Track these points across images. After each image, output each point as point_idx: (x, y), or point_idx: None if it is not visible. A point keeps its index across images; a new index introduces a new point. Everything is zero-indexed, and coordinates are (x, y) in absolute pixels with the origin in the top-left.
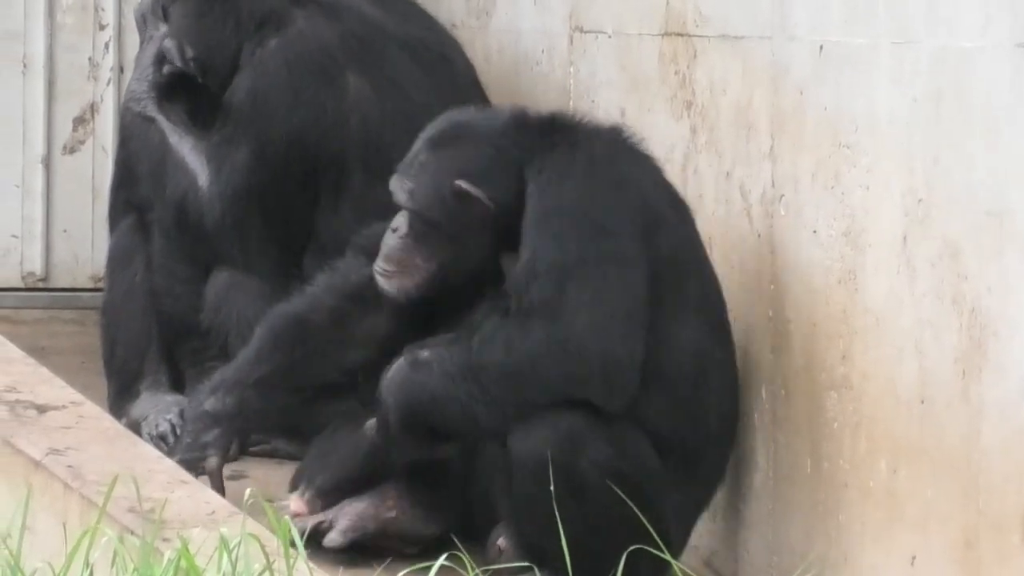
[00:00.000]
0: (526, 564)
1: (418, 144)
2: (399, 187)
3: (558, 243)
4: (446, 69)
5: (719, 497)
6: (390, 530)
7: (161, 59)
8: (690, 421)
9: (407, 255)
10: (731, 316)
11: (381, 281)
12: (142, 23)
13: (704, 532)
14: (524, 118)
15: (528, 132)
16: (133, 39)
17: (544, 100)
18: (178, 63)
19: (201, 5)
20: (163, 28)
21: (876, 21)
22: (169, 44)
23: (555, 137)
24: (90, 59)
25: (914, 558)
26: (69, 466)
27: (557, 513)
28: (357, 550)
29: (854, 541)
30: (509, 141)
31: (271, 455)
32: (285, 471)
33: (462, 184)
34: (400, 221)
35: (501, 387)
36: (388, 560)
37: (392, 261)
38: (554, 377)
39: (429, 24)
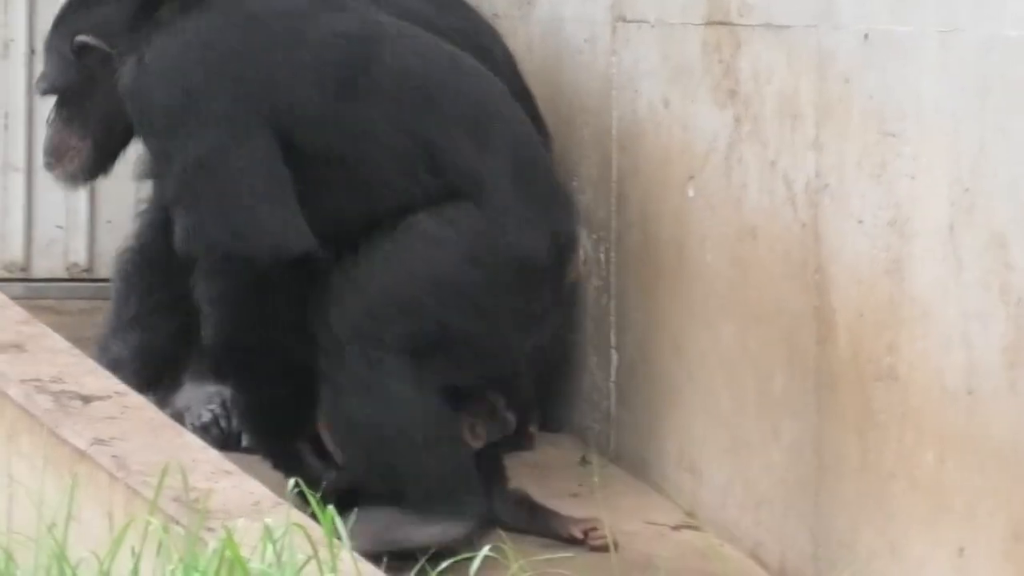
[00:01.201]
0: None
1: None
2: (37, 80)
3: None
4: (485, 59)
5: (766, 487)
6: None
7: None
8: None
9: (61, 139)
10: (775, 305)
11: (52, 175)
12: None
13: (750, 523)
14: None
15: None
16: None
17: (586, 90)
18: None
19: None
20: None
21: (922, 10)
22: None
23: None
24: None
25: (962, 550)
26: (114, 456)
27: None
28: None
29: (901, 532)
30: (137, 4)
31: None
32: None
33: (80, 38)
34: (50, 111)
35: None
36: (431, 550)
37: (50, 151)
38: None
39: (468, 14)
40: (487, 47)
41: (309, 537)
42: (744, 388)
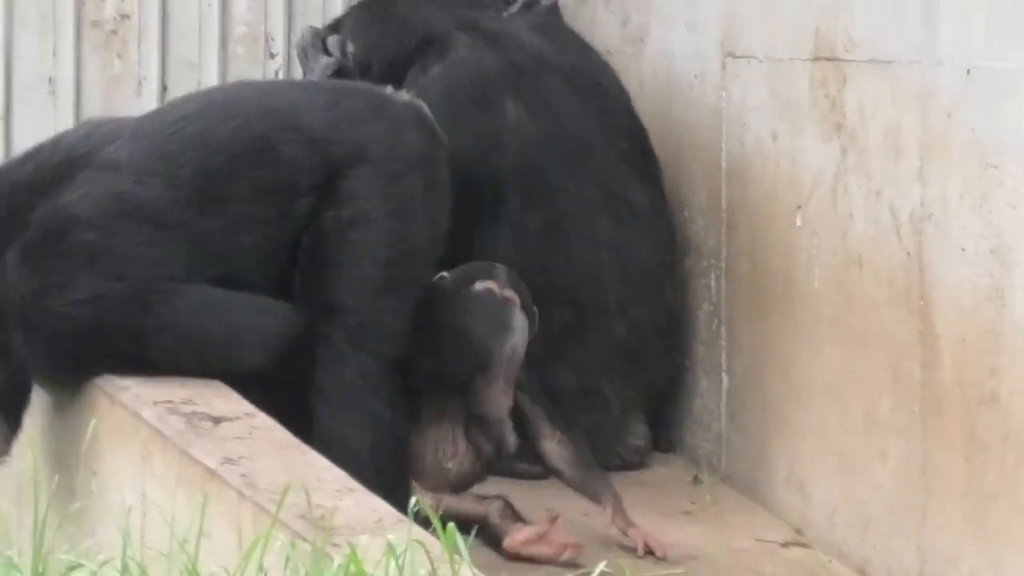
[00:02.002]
0: None
1: None
2: None
3: None
4: (600, 95)
5: (872, 507)
6: None
7: None
8: None
9: None
10: (880, 330)
11: None
12: (303, 56)
13: (857, 541)
14: None
15: None
16: (299, 70)
17: (696, 124)
18: (337, 55)
19: (371, 11)
20: (323, 60)
21: (1022, 46)
22: (334, 40)
23: None
24: None
25: None
26: (243, 475)
27: None
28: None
29: (1002, 551)
30: None
31: None
32: None
33: None
34: None
35: None
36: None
37: None
38: None
39: (585, 52)
40: (602, 84)
41: (428, 553)
42: (851, 411)
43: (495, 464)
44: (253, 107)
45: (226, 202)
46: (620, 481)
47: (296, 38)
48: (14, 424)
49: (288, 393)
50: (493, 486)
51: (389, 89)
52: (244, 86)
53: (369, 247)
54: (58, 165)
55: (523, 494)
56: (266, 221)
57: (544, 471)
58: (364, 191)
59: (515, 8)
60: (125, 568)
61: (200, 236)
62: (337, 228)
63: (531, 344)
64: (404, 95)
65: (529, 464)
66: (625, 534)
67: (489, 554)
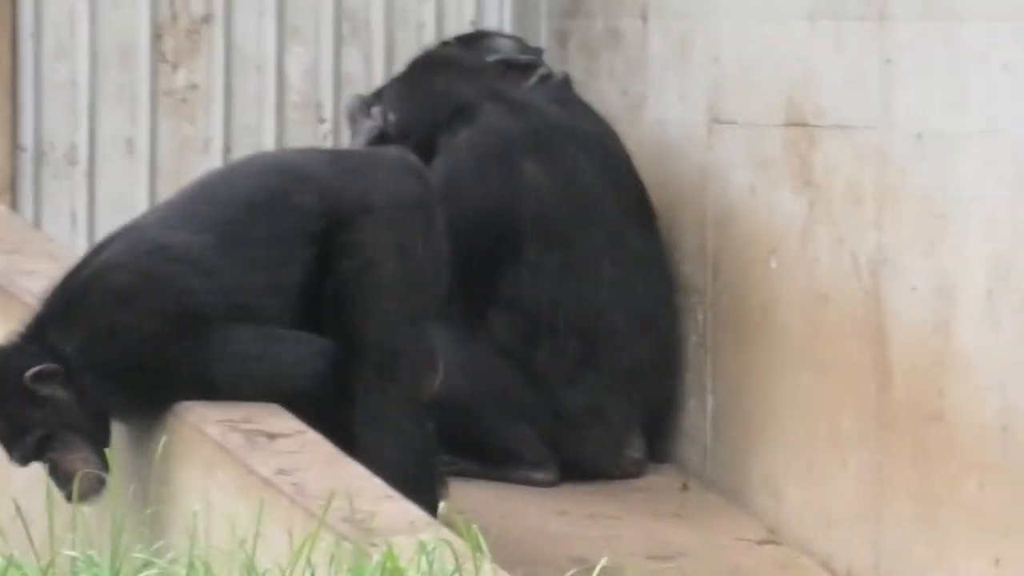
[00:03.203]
0: None
1: None
2: None
3: None
4: (605, 155)
5: (835, 509)
6: None
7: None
8: None
9: None
10: (843, 357)
11: None
12: (351, 120)
13: (822, 538)
14: None
15: None
16: (346, 132)
17: (687, 179)
18: (380, 122)
19: (409, 86)
20: (368, 123)
21: (967, 113)
22: (376, 109)
23: None
24: None
25: (998, 560)
26: (294, 484)
27: None
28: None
29: (948, 547)
30: None
31: (461, 475)
32: (472, 487)
33: None
34: None
35: None
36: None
37: None
38: None
39: (593, 118)
40: (609, 145)
41: (454, 551)
42: (817, 426)
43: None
44: (267, 168)
45: (244, 246)
46: (619, 488)
47: (344, 105)
48: (105, 461)
49: (327, 412)
50: (502, 492)
51: (381, 147)
52: (259, 155)
53: (382, 288)
54: (110, 237)
55: (531, 500)
56: (279, 263)
57: (553, 479)
58: (371, 239)
59: (533, 81)
60: (191, 566)
61: (222, 274)
62: (353, 276)
63: (546, 371)
64: (394, 149)
65: (474, 464)
66: None
67: (508, 551)
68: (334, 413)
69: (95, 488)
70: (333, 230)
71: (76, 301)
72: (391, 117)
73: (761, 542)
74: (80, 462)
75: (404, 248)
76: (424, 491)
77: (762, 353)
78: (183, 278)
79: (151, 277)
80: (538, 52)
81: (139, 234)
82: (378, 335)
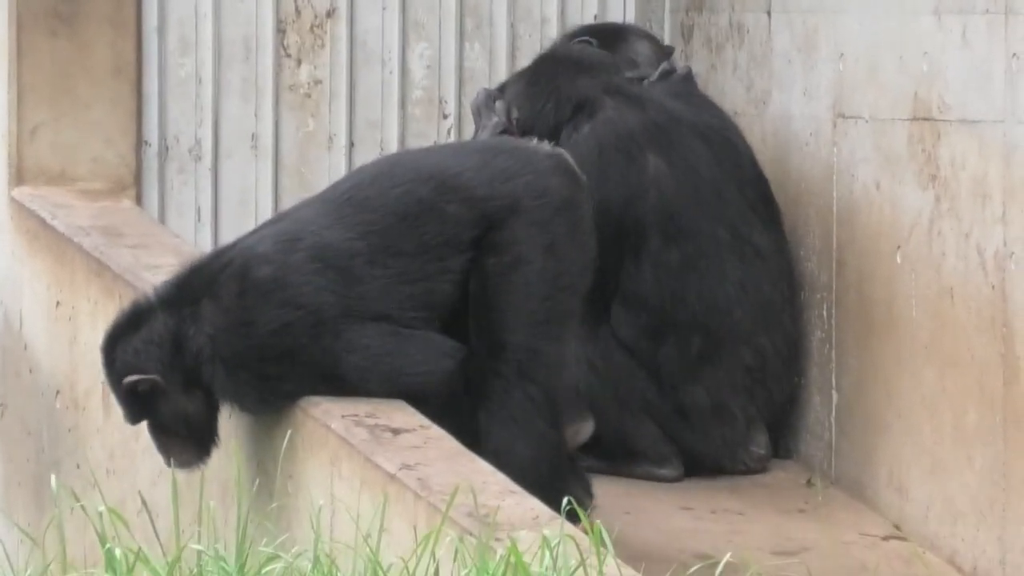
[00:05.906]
0: None
1: None
2: None
3: None
4: (729, 150)
5: (961, 504)
6: None
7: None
8: None
9: None
10: (968, 353)
11: None
12: (477, 114)
13: (947, 534)
14: None
15: None
16: (469, 127)
17: (811, 175)
18: (503, 118)
19: (532, 84)
20: (494, 119)
21: None
22: (500, 105)
23: None
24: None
25: None
26: (418, 479)
27: None
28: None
29: None
30: None
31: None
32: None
33: None
34: None
35: None
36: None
37: None
38: None
39: (717, 112)
40: (732, 141)
41: (578, 546)
42: (943, 422)
43: None
44: (415, 174)
45: (394, 256)
46: (745, 484)
47: (468, 100)
48: (208, 443)
49: (453, 410)
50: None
51: (534, 141)
52: (406, 155)
53: (528, 286)
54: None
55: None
56: (428, 275)
57: (677, 474)
58: (519, 238)
59: (654, 77)
60: (316, 560)
61: (366, 281)
62: (499, 273)
63: (669, 367)
64: (546, 146)
65: (657, 467)
66: None
67: (631, 546)
68: (460, 412)
69: (190, 462)
70: (482, 235)
71: (214, 288)
72: (515, 114)
73: (886, 538)
74: (178, 447)
75: (551, 248)
76: (554, 491)
77: (887, 349)
78: (327, 278)
79: (295, 271)
80: (670, 51)
81: (287, 227)
82: (519, 335)
